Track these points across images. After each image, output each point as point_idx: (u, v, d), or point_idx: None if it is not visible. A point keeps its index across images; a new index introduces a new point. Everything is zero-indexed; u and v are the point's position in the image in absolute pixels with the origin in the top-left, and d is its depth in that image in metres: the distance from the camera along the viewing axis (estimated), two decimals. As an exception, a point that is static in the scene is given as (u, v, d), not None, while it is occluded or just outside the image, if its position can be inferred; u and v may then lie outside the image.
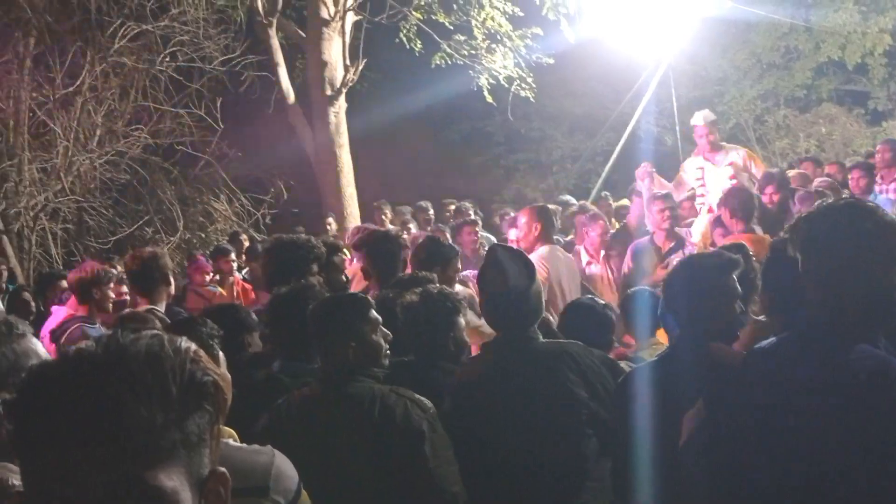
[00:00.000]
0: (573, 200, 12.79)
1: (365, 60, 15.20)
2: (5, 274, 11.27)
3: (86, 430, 1.22)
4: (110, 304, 6.03)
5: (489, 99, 15.92)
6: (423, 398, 3.52)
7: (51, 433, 1.23)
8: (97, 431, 1.22)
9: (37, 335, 6.16)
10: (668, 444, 3.22)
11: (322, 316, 3.64)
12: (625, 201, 11.83)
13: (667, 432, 3.24)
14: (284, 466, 2.61)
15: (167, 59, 15.61)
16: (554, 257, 7.16)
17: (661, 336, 4.81)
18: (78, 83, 15.11)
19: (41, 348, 2.51)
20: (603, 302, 5.13)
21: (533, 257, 5.30)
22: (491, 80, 15.70)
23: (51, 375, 1.27)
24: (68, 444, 1.22)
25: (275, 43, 15.54)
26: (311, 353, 3.91)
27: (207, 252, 11.96)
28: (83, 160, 15.30)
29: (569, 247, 8.87)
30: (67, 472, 1.22)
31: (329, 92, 15.09)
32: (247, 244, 12.40)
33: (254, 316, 4.57)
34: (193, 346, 1.35)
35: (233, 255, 10.10)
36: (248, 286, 9.90)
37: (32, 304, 8.45)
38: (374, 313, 3.64)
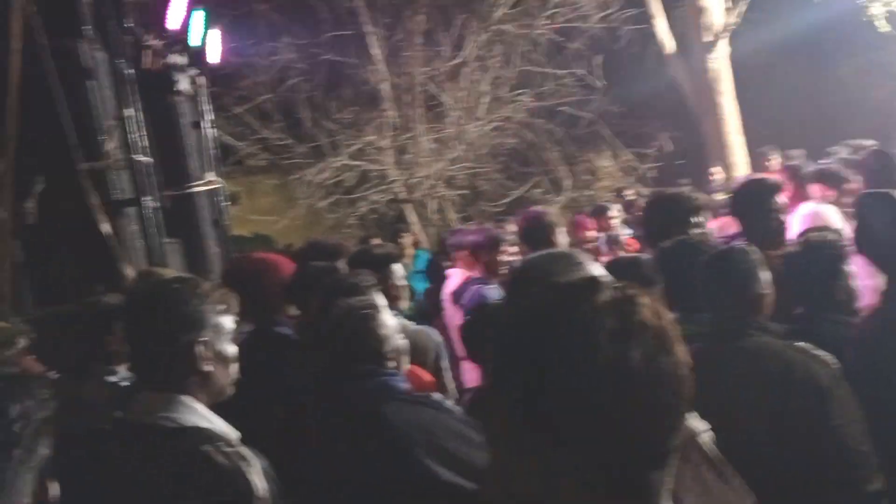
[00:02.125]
0: None
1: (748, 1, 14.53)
2: (413, 239, 12.10)
3: None
4: (501, 266, 6.26)
5: (884, 28, 14.61)
6: (823, 352, 3.32)
7: None
8: None
9: (438, 297, 6.49)
10: None
11: (718, 268, 3.53)
12: None
13: None
14: None
15: (546, 21, 15.86)
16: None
17: None
18: (464, 54, 15.78)
19: None
20: None
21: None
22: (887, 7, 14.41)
23: None
24: None
25: (651, -7, 15.28)
26: (698, 307, 3.81)
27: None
28: (472, 128, 15.99)
29: None
30: None
31: (709, 38, 14.59)
32: (634, 199, 12.35)
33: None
34: None
35: (614, 212, 10.10)
36: (635, 242, 9.88)
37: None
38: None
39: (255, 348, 3.95)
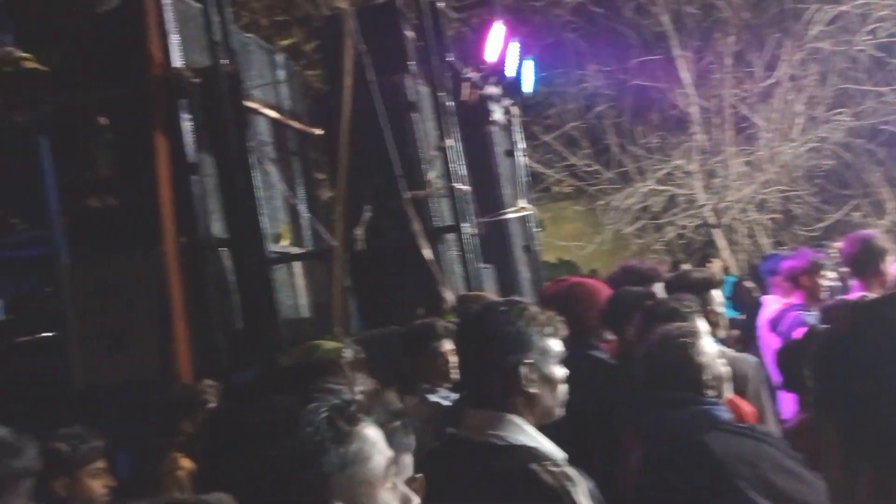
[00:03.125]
0: None
1: None
2: (723, 265, 11.81)
3: None
4: (822, 291, 5.99)
5: None
6: None
7: None
8: None
9: (753, 325, 6.29)
10: None
11: None
12: None
13: None
14: None
15: (867, 37, 15.01)
16: None
17: None
18: (776, 74, 15.25)
19: None
20: None
21: None
22: None
23: None
24: None
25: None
26: None
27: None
28: (786, 150, 15.40)
29: None
30: None
31: None
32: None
33: None
34: None
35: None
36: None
37: (755, 293, 8.70)
38: None
39: (571, 372, 4.02)
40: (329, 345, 4.53)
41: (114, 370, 6.48)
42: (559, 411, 2.66)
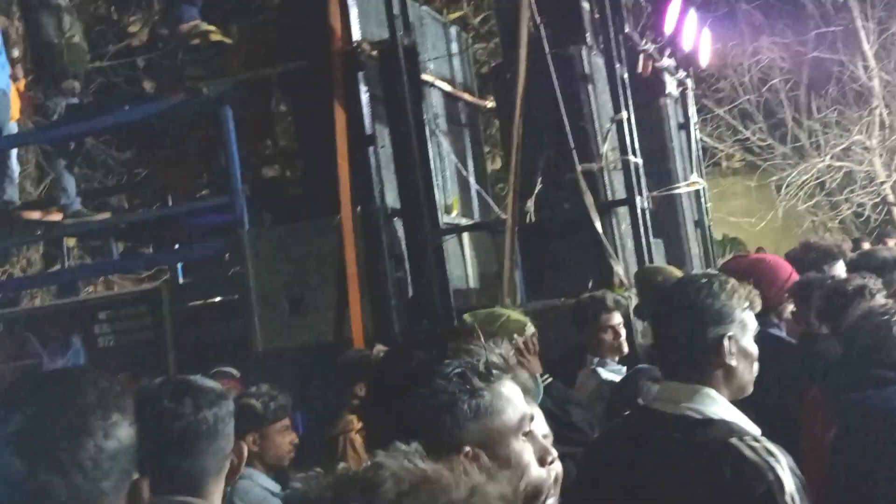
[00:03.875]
0: None
1: None
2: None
3: None
4: None
5: None
6: None
7: None
8: None
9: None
10: None
11: None
12: None
13: None
14: None
15: None
16: None
17: None
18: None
19: None
20: None
21: None
22: None
23: None
24: None
25: None
26: None
27: None
28: None
29: None
30: None
31: None
32: None
33: None
34: None
35: None
36: None
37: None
38: None
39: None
40: (515, 315, 4.57)
41: (291, 334, 6.71)
42: (750, 387, 2.62)
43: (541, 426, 1.69)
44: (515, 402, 1.58)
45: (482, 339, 1.58)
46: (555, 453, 1.64)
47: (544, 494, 1.63)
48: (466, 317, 5.33)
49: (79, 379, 1.59)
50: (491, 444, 1.53)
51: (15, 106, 9.19)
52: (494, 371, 1.56)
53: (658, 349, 2.79)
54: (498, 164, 11.83)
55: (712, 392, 2.50)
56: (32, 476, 1.46)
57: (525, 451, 1.57)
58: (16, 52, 9.49)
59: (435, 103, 7.39)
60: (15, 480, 1.46)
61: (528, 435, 1.59)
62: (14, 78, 9.31)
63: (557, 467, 1.63)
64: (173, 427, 2.32)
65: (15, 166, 9.47)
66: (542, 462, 1.60)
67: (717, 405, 2.48)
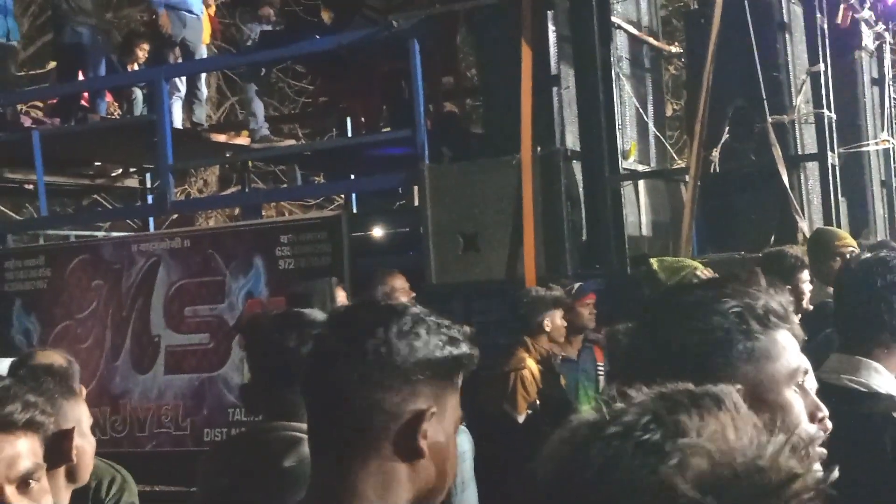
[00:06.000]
0: None
1: None
2: None
3: None
4: None
5: None
6: None
7: None
8: None
9: None
10: None
11: None
12: None
13: None
14: None
15: None
16: None
17: None
18: None
19: None
20: None
21: None
22: None
23: None
24: None
25: None
26: None
27: None
28: None
29: None
30: None
31: None
32: None
33: None
34: None
35: None
36: None
37: None
38: None
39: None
40: (700, 266, 4.52)
41: (464, 269, 6.80)
42: None
43: (813, 383, 1.66)
44: (791, 351, 1.55)
45: (763, 284, 1.56)
46: (826, 411, 1.59)
47: (815, 453, 1.60)
48: (653, 261, 5.32)
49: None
50: (762, 390, 1.50)
51: (206, 30, 9.55)
52: (772, 318, 1.53)
53: (836, 319, 2.72)
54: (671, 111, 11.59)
55: (880, 367, 2.45)
56: None
57: (796, 402, 1.54)
58: (207, -24, 9.81)
59: (620, 46, 7.27)
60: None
61: (801, 388, 1.56)
62: (206, 3, 9.66)
63: (828, 426, 1.58)
64: (278, 359, 2.44)
65: (204, 89, 9.86)
66: (812, 418, 1.56)
67: (882, 379, 2.43)
